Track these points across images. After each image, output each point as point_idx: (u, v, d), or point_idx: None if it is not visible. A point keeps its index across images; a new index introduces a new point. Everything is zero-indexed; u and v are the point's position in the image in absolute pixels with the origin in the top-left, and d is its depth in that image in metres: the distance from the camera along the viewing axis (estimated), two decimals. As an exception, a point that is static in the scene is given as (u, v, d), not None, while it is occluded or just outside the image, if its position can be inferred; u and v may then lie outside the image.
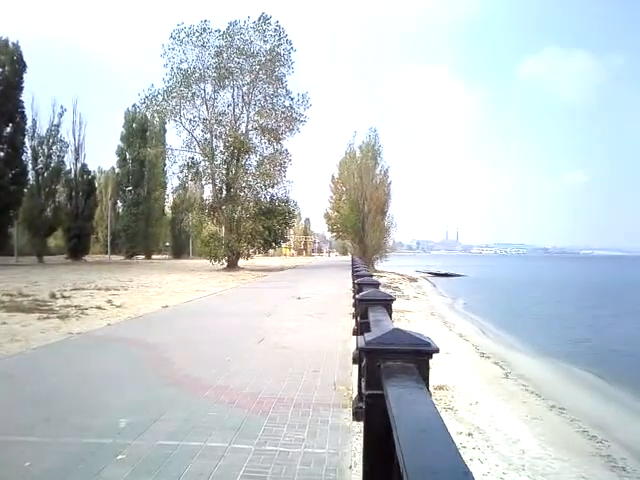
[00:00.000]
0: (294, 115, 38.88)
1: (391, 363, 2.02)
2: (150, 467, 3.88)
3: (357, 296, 4.30)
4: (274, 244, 43.17)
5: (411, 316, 22.20)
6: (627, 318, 28.04)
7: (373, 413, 2.04)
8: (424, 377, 2.08)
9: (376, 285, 6.01)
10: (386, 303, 4.15)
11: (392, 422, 1.49)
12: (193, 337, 9.75)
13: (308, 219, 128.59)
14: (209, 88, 38.43)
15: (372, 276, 8.30)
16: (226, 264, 38.18)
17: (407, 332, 2.19)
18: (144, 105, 38.65)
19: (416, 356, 2.06)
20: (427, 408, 1.56)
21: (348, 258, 54.70)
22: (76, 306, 14.01)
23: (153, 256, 66.75)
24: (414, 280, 49.65)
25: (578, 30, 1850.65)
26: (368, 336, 2.17)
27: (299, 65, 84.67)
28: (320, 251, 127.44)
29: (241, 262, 41.13)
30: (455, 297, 36.61)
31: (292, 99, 39.15)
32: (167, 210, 69.48)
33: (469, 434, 8.56)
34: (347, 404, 5.49)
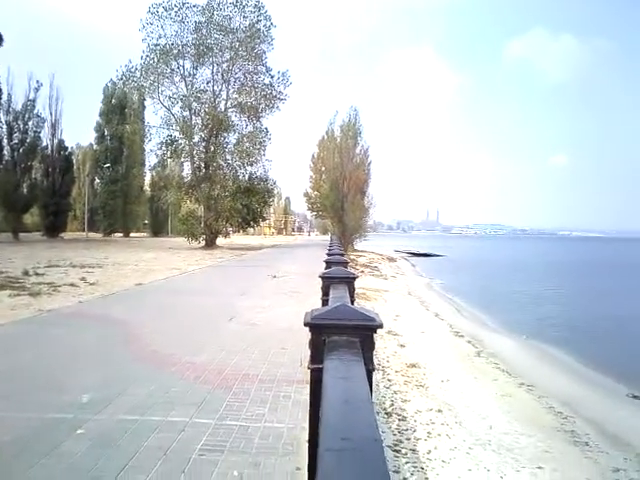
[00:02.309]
0: (274, 93, 38.54)
1: (336, 338, 2.03)
2: (108, 441, 3.89)
3: (320, 274, 4.29)
4: (253, 223, 43.07)
5: (388, 296, 22.34)
6: (598, 297, 28.56)
7: (316, 387, 2.06)
8: (368, 351, 2.09)
9: (344, 263, 6.02)
10: (348, 281, 4.16)
11: (323, 393, 1.50)
12: (164, 314, 9.73)
13: (288, 198, 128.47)
14: (188, 65, 37.89)
15: (343, 255, 8.31)
16: (204, 242, 38.02)
17: (353, 308, 2.20)
18: (122, 81, 38.11)
19: (361, 331, 2.07)
20: (357, 381, 1.57)
21: (328, 237, 54.77)
22: (49, 283, 13.87)
23: (131, 234, 66.13)
24: (393, 260, 49.90)
25: (565, 13, 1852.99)
26: (315, 312, 2.18)
27: (282, 44, 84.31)
28: (300, 230, 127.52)
29: (219, 241, 40.95)
30: (433, 277, 36.87)
31: (272, 77, 38.80)
32: (146, 188, 68.86)
33: (439, 410, 8.69)
34: (312, 380, 5.52)
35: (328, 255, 7.72)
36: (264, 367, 6.00)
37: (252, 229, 64.18)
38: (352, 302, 5.60)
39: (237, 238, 56.55)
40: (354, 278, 4.30)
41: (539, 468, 6.70)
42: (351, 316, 2.09)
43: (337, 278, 4.14)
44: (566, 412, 9.21)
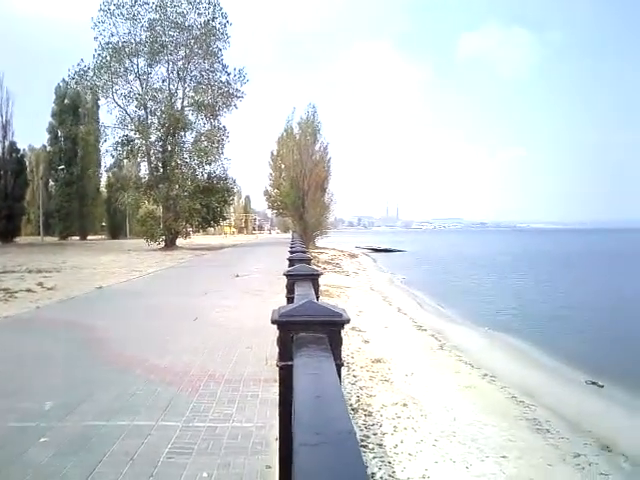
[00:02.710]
0: (231, 91, 38.25)
1: (304, 334, 2.03)
2: (74, 448, 3.82)
3: (284, 272, 4.29)
4: (213, 222, 42.74)
5: (351, 292, 22.43)
6: (552, 286, 29.25)
7: (285, 384, 2.06)
8: (336, 346, 2.10)
9: (307, 261, 6.03)
10: (312, 278, 4.17)
11: (294, 390, 1.51)
12: (127, 317, 9.61)
13: (248, 197, 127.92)
14: (142, 63, 37.24)
15: (306, 252, 8.33)
16: (164, 244, 37.57)
17: (320, 304, 2.21)
18: (74, 81, 37.31)
19: (328, 327, 2.08)
20: (328, 376, 1.58)
21: (289, 235, 54.72)
22: (4, 289, 13.52)
23: (89, 237, 64.82)
24: (354, 256, 50.09)
25: (516, 7, 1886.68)
26: (282, 309, 2.18)
27: (239, 40, 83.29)
28: (261, 229, 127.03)
29: (179, 241, 40.51)
30: (394, 272, 37.15)
31: (229, 74, 38.50)
32: (102, 189, 67.59)
33: (404, 404, 8.78)
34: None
35: (291, 253, 7.73)
36: (230, 367, 5.96)
37: (212, 229, 63.71)
38: (317, 299, 5.63)
39: (197, 238, 56.09)
40: (318, 275, 4.31)
41: (503, 457, 6.82)
42: (318, 312, 2.10)
43: (301, 275, 4.14)
44: (528, 401, 9.40)
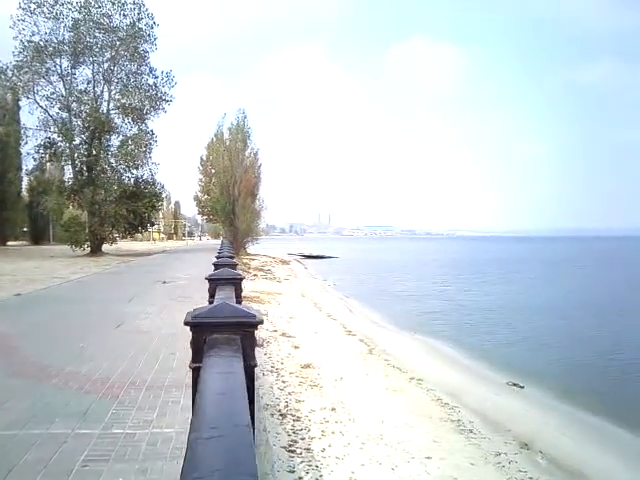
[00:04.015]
0: (159, 94, 37.39)
1: (217, 336, 2.02)
2: (-18, 458, 3.67)
3: (206, 276, 4.25)
4: (140, 228, 41.78)
5: (281, 298, 22.42)
6: (472, 289, 30.20)
7: (197, 386, 2.05)
8: (250, 347, 2.10)
9: (232, 265, 5.99)
10: (234, 282, 4.15)
11: (198, 388, 1.50)
12: (46, 325, 9.24)
13: (178, 202, 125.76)
14: (65, 64, 35.62)
15: (233, 257, 8.28)
16: (89, 250, 36.48)
17: (234, 305, 2.20)
18: (-8, 80, 35.79)
19: (241, 328, 2.07)
20: (234, 375, 1.58)
21: (220, 242, 54.11)
22: None
23: (9, 242, 62.20)
24: (286, 263, 50.12)
25: (441, 21, 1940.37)
26: (196, 311, 2.16)
27: (171, 45, 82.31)
28: (191, 235, 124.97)
29: (107, 247, 39.44)
30: (326, 278, 37.42)
31: (156, 77, 37.47)
32: (24, 193, 65.00)
33: (332, 409, 8.83)
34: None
35: (217, 258, 7.67)
36: (152, 373, 5.84)
37: (141, 235, 62.29)
38: (239, 302, 5.60)
39: (125, 244, 54.66)
40: (241, 279, 4.29)
41: (428, 458, 6.97)
42: (231, 313, 2.09)
43: (223, 279, 4.12)
44: (452, 403, 9.64)
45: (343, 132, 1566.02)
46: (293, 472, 6.29)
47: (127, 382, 5.46)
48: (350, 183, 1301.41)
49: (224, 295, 3.53)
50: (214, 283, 4.10)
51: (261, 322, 2.17)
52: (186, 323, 2.10)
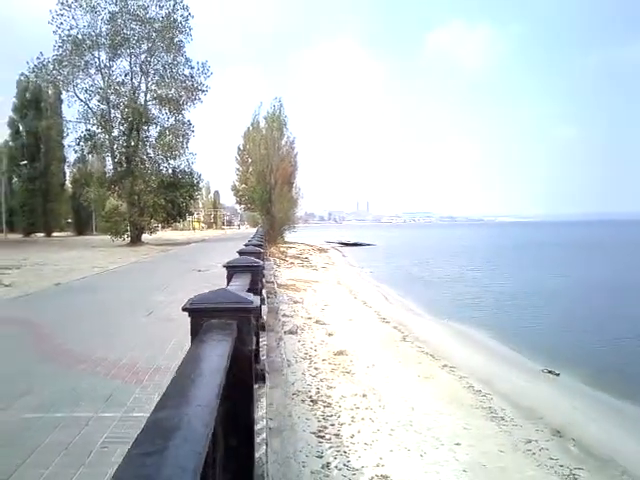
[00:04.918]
0: (195, 84, 37.60)
1: (214, 321, 2.04)
2: (10, 439, 3.77)
3: (224, 264, 4.28)
4: (179, 218, 42.30)
5: (317, 286, 22.51)
6: (510, 276, 29.75)
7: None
8: (247, 332, 2.12)
9: (256, 253, 6.03)
10: (252, 269, 4.17)
11: (176, 370, 1.53)
12: (81, 313, 9.44)
13: (217, 192, 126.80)
14: (103, 56, 36.19)
15: (261, 245, 8.34)
16: (129, 239, 37.13)
17: (232, 292, 2.21)
18: (33, 74, 36.53)
19: (237, 313, 2.09)
20: (215, 358, 1.60)
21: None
22: (-41, 287, 13.27)
23: (54, 233, 63.57)
24: (324, 251, 50.22)
25: (481, 2, 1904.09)
26: (196, 297, 2.19)
27: (204, 34, 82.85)
28: (231, 224, 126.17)
29: (146, 237, 40.07)
30: (363, 266, 37.41)
31: (192, 68, 37.73)
32: (67, 185, 66.44)
33: (364, 395, 8.86)
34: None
35: (245, 246, 7.72)
36: (177, 360, 5.92)
37: (181, 224, 63.13)
38: (260, 290, 5.63)
39: (165, 234, 55.59)
40: (258, 266, 4.31)
41: (457, 445, 6.94)
42: (227, 300, 2.11)
43: (241, 267, 4.14)
44: (485, 390, 9.56)
45: (381, 120, 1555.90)
46: (321, 457, 6.34)
47: (152, 368, 5.55)
48: (388, 170, 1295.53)
49: (240, 282, 3.55)
50: (231, 270, 4.13)
51: (257, 308, 2.18)
52: (184, 309, 2.12)
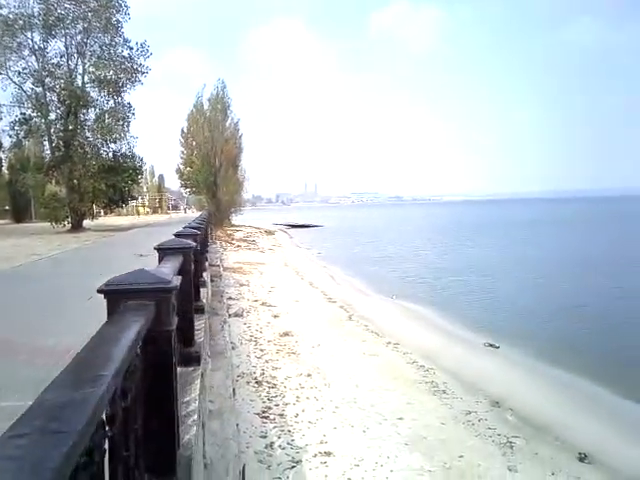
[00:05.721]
0: (134, 66, 36.68)
1: (132, 302, 1.99)
2: None
3: (154, 246, 4.19)
4: (121, 202, 41.31)
5: (264, 268, 22.47)
6: (450, 253, 30.40)
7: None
8: (166, 313, 2.08)
9: (193, 236, 5.95)
10: (184, 251, 4.10)
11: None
12: (15, 301, 9.18)
13: (162, 176, 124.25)
14: (37, 37, 34.75)
15: (200, 227, 8.24)
16: (70, 226, 36.12)
17: (150, 272, 2.16)
18: (-40, 57, 34.92)
19: (155, 293, 2.04)
20: (122, 339, 1.56)
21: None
22: None
23: (-11, 222, 61.60)
24: (271, 233, 50.07)
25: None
26: (113, 279, 2.13)
27: (152, 19, 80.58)
28: (176, 208, 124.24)
29: (88, 223, 39.04)
30: (310, 247, 37.54)
31: (131, 49, 36.64)
32: (4, 171, 64.14)
33: (308, 375, 8.93)
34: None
35: (184, 228, 7.60)
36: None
37: (124, 209, 61.76)
38: (196, 271, 5.56)
39: (108, 219, 54.23)
40: (190, 248, 4.24)
41: (399, 419, 7.07)
42: (145, 280, 2.06)
43: (172, 249, 4.06)
44: (428, 365, 9.77)
45: (327, 102, 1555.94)
46: (265, 437, 6.37)
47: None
48: (336, 151, 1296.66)
49: (170, 265, 3.48)
50: (162, 253, 4.04)
51: (175, 288, 2.14)
52: (99, 291, 2.06)
